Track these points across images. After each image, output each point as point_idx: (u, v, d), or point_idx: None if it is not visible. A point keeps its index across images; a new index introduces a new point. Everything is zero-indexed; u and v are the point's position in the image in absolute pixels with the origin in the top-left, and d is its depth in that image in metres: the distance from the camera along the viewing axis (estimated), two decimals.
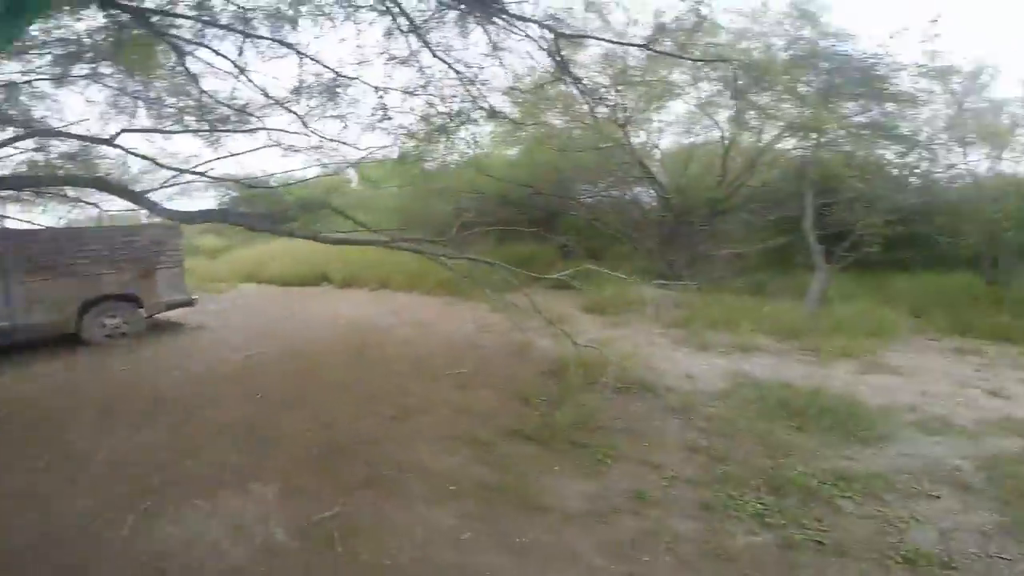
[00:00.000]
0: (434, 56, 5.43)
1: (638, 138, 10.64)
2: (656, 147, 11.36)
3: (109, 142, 5.91)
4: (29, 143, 6.08)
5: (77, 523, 2.91)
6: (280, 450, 3.85)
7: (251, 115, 6.46)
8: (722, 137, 10.16)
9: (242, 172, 7.34)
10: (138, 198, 4.79)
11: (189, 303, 8.23)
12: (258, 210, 6.83)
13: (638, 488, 3.34)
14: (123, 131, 5.85)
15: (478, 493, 3.28)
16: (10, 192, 6.94)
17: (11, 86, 5.39)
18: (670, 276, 10.09)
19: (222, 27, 5.05)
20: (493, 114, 6.34)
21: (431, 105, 6.22)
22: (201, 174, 6.85)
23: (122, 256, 7.31)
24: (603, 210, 12.41)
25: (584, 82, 6.26)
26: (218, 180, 7.02)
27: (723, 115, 9.66)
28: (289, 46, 5.40)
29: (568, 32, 5.14)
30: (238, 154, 6.93)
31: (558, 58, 5.30)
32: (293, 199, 7.28)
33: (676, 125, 10.75)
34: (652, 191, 11.19)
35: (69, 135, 5.86)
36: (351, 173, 14.13)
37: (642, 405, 4.85)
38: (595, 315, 8.69)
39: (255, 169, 7.95)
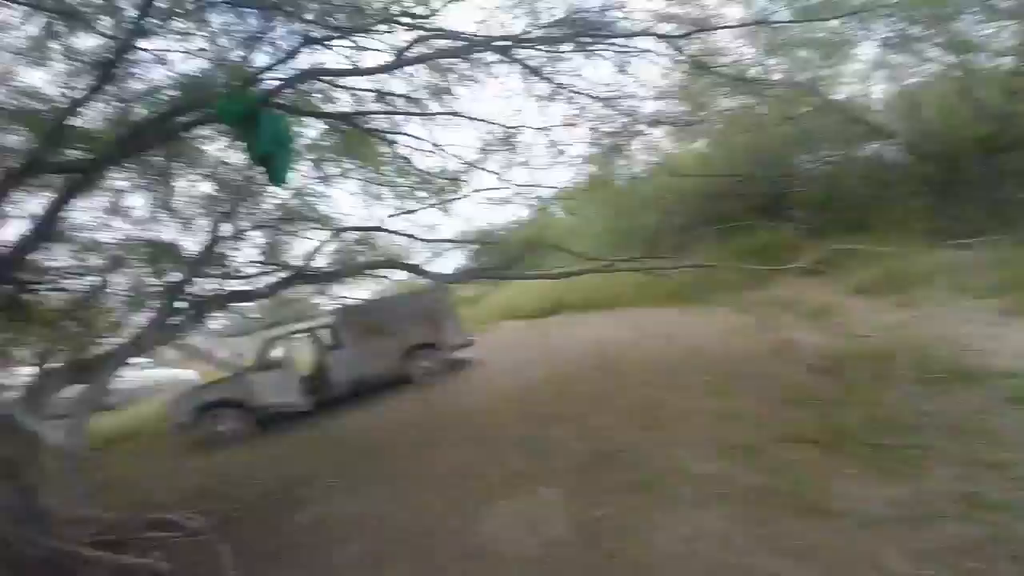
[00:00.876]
0: (565, 88, 5.88)
1: (840, 94, 8.92)
2: (867, 96, 9.22)
3: (380, 229, 7.80)
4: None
5: (430, 519, 3.91)
6: (555, 458, 4.44)
7: (460, 180, 7.68)
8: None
9: (463, 229, 8.80)
10: (418, 269, 6.28)
11: (469, 344, 10.05)
12: (493, 259, 8.09)
13: (969, 490, 2.76)
14: (390, 216, 7.70)
15: (748, 497, 3.20)
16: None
17: (299, 191, 7.36)
18: (963, 234, 7.73)
19: (404, 113, 6.32)
20: (656, 123, 6.43)
21: (594, 129, 6.65)
22: (450, 240, 8.46)
23: (418, 314, 9.48)
24: (838, 176, 10.34)
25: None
26: (459, 242, 8.55)
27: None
28: (457, 114, 6.44)
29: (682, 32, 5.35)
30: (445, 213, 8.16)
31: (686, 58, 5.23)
32: (517, 244, 8.35)
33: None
34: (889, 143, 8.93)
35: (357, 228, 7.82)
36: (553, 209, 15.20)
37: (964, 396, 3.93)
38: (869, 297, 7.34)
39: (473, 226, 9.33)
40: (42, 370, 4.66)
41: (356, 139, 6.66)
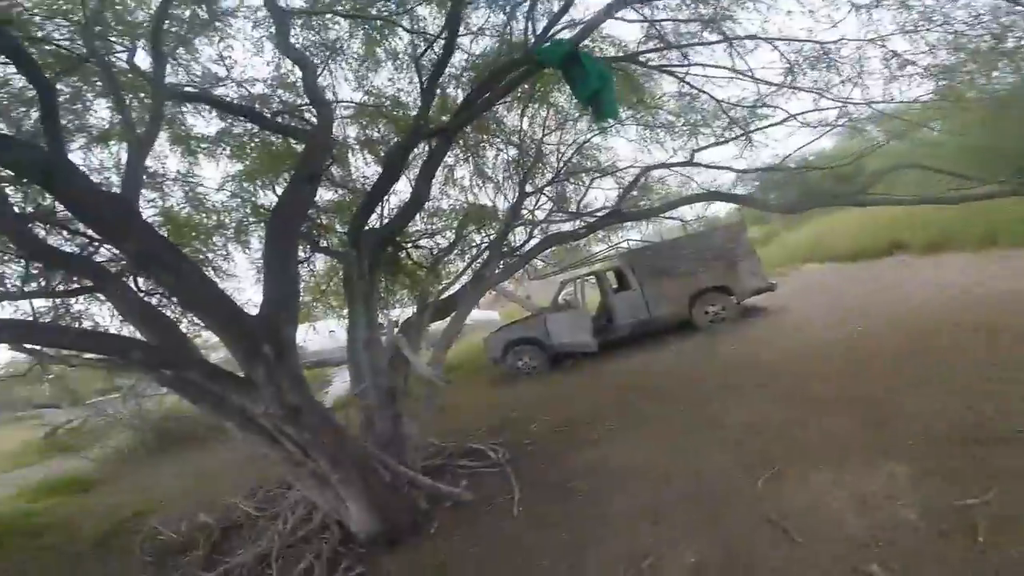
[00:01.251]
0: None
1: None
2: None
3: (689, 163, 7.17)
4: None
5: (717, 479, 3.54)
6: (908, 430, 3.47)
7: (765, 107, 6.35)
8: None
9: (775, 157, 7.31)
10: (743, 199, 5.99)
11: (771, 288, 8.85)
12: (810, 188, 6.65)
13: None
14: (695, 151, 6.99)
15: None
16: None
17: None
18: None
19: (704, 44, 5.33)
20: None
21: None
22: (776, 168, 7.21)
23: (709, 254, 8.78)
24: None
25: None
26: (784, 169, 7.24)
27: None
28: (755, 37, 5.18)
29: None
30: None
31: None
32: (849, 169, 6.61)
33: None
34: None
35: (668, 164, 7.38)
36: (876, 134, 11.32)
37: None
38: None
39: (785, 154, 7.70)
40: (415, 311, 5.66)
41: (638, 80, 6.34)
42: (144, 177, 4.57)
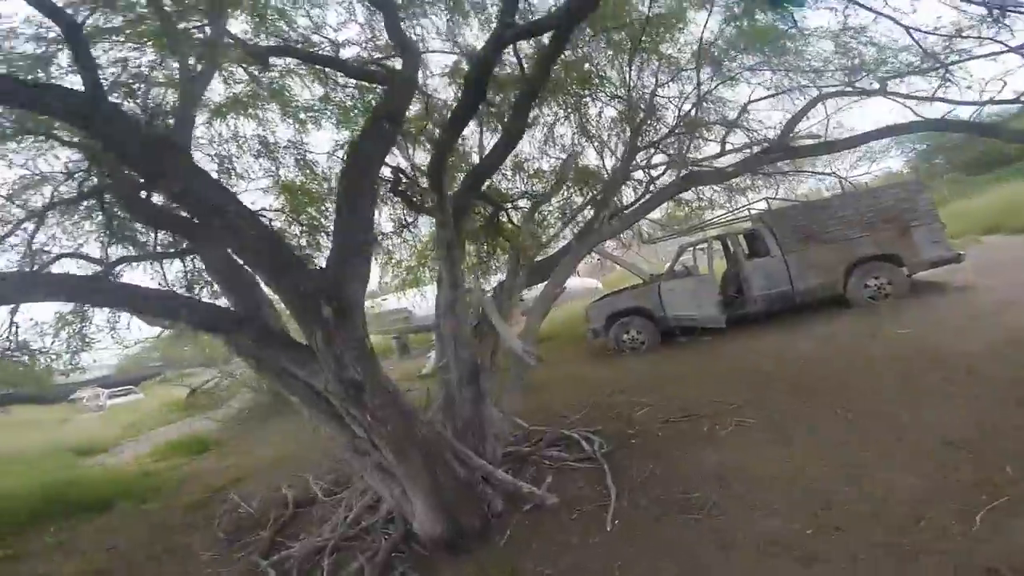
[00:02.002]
0: None
1: None
2: None
3: (879, 93, 5.60)
4: None
5: (906, 507, 2.65)
6: None
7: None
8: None
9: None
10: (976, 127, 4.80)
11: (956, 259, 7.06)
12: None
13: None
14: (885, 79, 5.48)
15: None
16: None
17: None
18: None
19: None
20: None
21: None
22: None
23: (874, 217, 7.18)
24: None
25: None
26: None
27: None
28: None
29: None
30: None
31: None
32: None
33: None
34: None
35: (849, 92, 5.87)
36: None
37: None
38: None
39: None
40: (509, 273, 5.10)
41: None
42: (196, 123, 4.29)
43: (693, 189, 8.86)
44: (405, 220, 6.35)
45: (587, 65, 5.73)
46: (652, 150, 6.46)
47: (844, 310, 7.22)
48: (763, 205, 7.90)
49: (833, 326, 6.71)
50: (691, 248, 8.27)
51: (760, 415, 4.38)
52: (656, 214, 8.34)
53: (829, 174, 7.57)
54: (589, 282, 18.49)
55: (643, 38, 5.22)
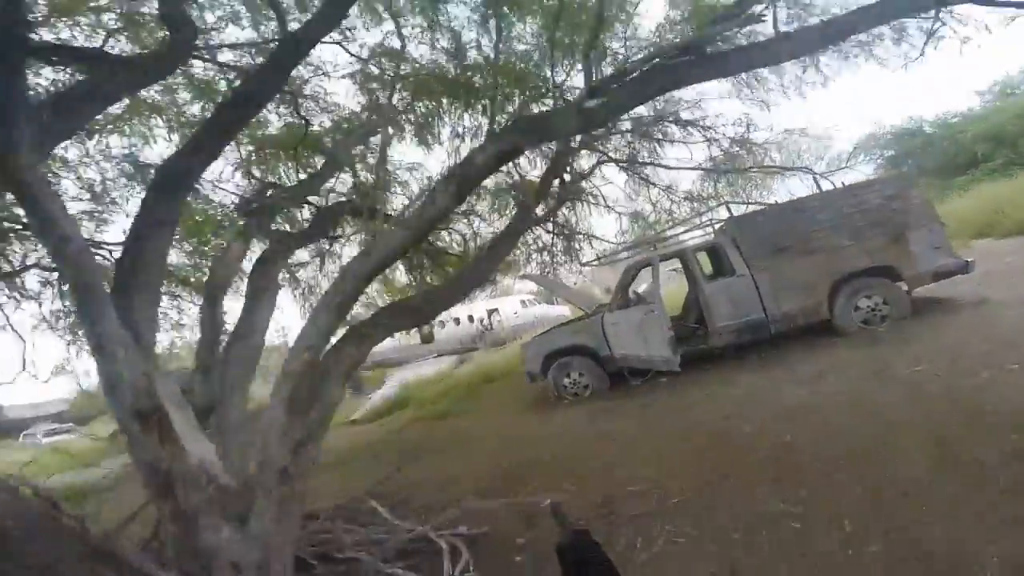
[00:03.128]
0: None
1: None
2: None
3: None
4: None
5: None
6: None
7: None
8: None
9: None
10: None
11: (964, 269, 5.65)
12: None
13: None
14: None
15: None
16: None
17: None
18: None
19: None
20: None
21: None
22: None
23: (860, 221, 5.78)
24: None
25: None
26: None
27: None
28: None
29: None
30: None
31: None
32: None
33: None
34: None
35: None
36: None
37: None
38: None
39: None
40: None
41: None
42: None
43: (649, 199, 7.63)
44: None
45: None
46: None
47: (833, 339, 5.72)
48: (726, 214, 6.42)
49: (822, 362, 5.19)
50: (644, 267, 6.73)
51: (709, 525, 2.77)
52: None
53: (802, 169, 6.17)
54: (556, 310, 16.90)
55: None
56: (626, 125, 6.37)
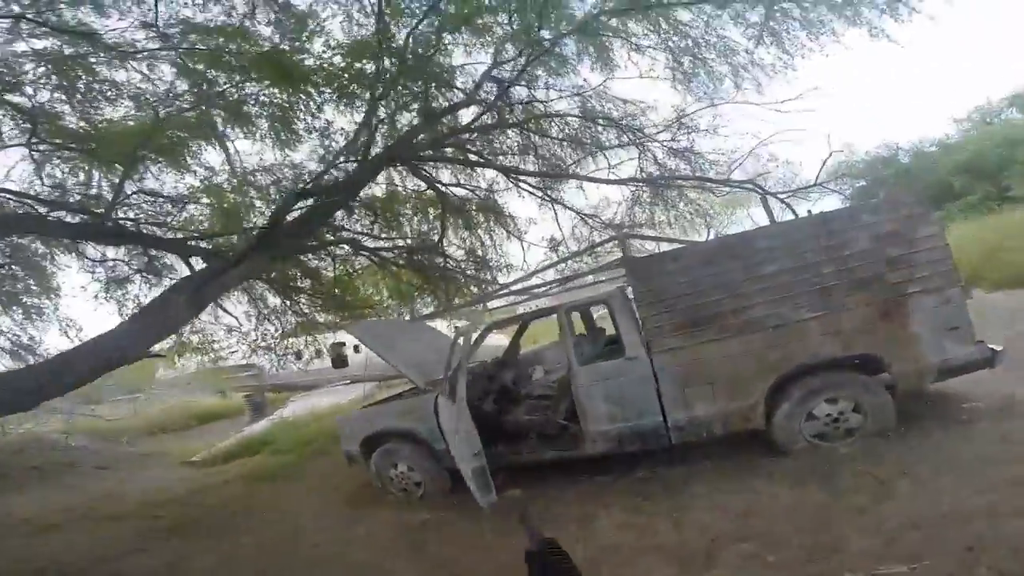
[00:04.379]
0: None
1: None
2: None
3: None
4: None
5: None
6: None
7: None
8: None
9: None
10: None
11: (989, 362, 3.48)
12: None
13: None
14: None
15: None
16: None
17: None
18: None
19: None
20: None
21: None
22: None
23: (833, 276, 3.52)
24: None
25: None
26: None
27: None
28: None
29: None
30: None
31: None
32: None
33: None
34: None
35: None
36: None
37: None
38: None
39: None
40: None
41: None
42: None
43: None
44: None
45: None
46: None
47: (771, 455, 3.67)
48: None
49: (747, 492, 3.22)
50: (500, 328, 4.51)
51: None
52: None
53: (746, 184, 3.82)
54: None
55: None
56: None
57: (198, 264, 5.30)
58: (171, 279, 5.56)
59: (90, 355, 4.36)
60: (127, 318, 5.19)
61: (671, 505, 3.44)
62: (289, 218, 5.16)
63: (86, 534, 4.97)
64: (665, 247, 4.23)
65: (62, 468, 7.66)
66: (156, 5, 4.35)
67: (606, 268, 4.38)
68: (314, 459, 6.63)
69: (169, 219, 5.62)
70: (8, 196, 4.95)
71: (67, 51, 4.41)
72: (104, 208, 4.71)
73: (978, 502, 2.58)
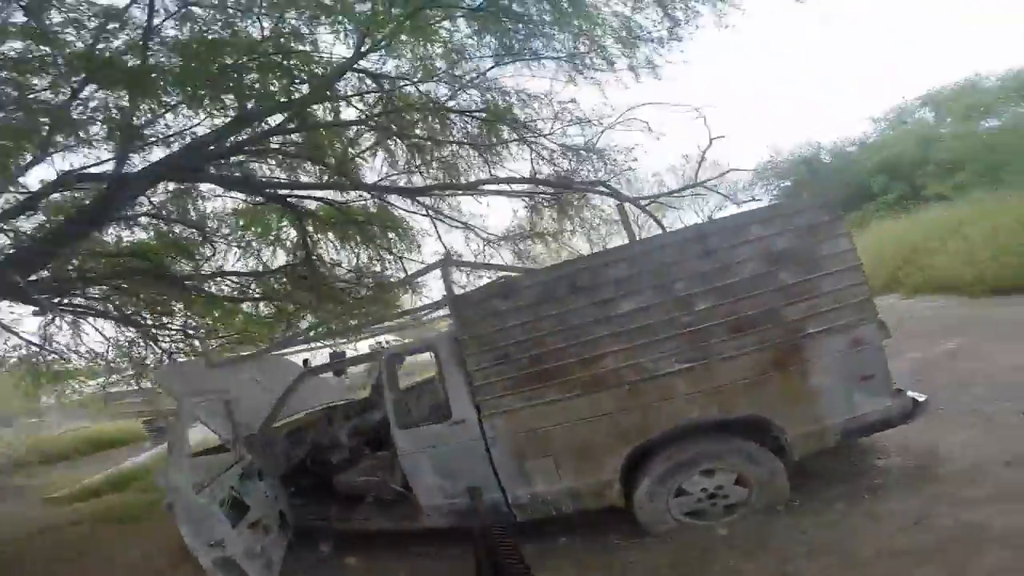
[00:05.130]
0: None
1: None
2: None
3: None
4: None
5: None
6: None
7: None
8: None
9: None
10: None
11: (906, 417, 2.67)
12: None
13: None
14: None
15: None
16: None
17: None
18: None
19: None
20: None
21: None
22: None
23: (707, 312, 2.64)
24: None
25: None
26: None
27: None
28: None
29: None
30: None
31: None
32: None
33: None
34: None
35: None
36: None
37: None
38: None
39: None
40: None
41: None
42: None
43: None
44: None
45: None
46: None
47: (639, 533, 2.91)
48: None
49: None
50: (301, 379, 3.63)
51: None
52: None
53: (597, 187, 2.89)
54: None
55: None
56: None
57: None
58: None
59: None
60: None
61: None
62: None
63: None
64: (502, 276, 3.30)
65: None
66: None
67: (430, 308, 3.47)
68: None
69: None
70: None
71: None
72: None
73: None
